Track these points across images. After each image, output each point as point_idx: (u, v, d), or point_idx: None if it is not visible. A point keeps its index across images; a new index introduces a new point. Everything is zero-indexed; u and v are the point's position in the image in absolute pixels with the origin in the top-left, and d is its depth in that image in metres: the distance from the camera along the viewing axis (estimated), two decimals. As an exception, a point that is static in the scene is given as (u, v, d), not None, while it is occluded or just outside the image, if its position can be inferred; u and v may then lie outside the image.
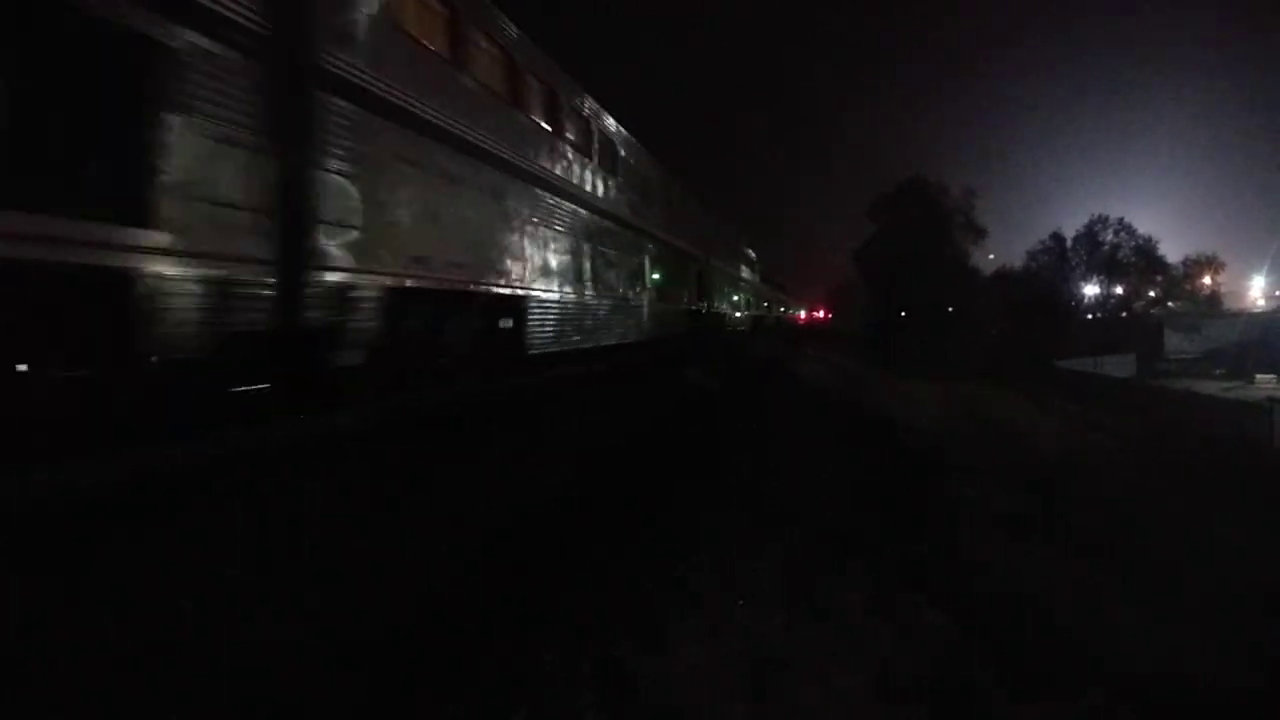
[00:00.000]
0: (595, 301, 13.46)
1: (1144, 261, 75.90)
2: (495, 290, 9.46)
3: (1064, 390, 36.92)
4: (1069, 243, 77.83)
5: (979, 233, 75.96)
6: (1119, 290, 77.61)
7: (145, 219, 4.95)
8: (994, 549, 9.15)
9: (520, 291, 10.11)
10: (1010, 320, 67.54)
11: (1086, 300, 78.28)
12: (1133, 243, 75.89)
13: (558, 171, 11.83)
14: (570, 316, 12.13)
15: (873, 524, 7.75)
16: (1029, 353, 53.96)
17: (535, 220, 10.79)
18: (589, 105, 13.65)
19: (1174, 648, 7.24)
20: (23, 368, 4.60)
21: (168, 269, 5.03)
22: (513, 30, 10.47)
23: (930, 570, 6.88)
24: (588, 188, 13.22)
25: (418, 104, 7.77)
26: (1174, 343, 66.49)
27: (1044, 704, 5.13)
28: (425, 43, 8.19)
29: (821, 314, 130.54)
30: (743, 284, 35.05)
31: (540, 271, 10.83)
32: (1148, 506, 13.57)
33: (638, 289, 16.89)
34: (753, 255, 40.91)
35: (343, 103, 6.57)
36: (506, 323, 10.19)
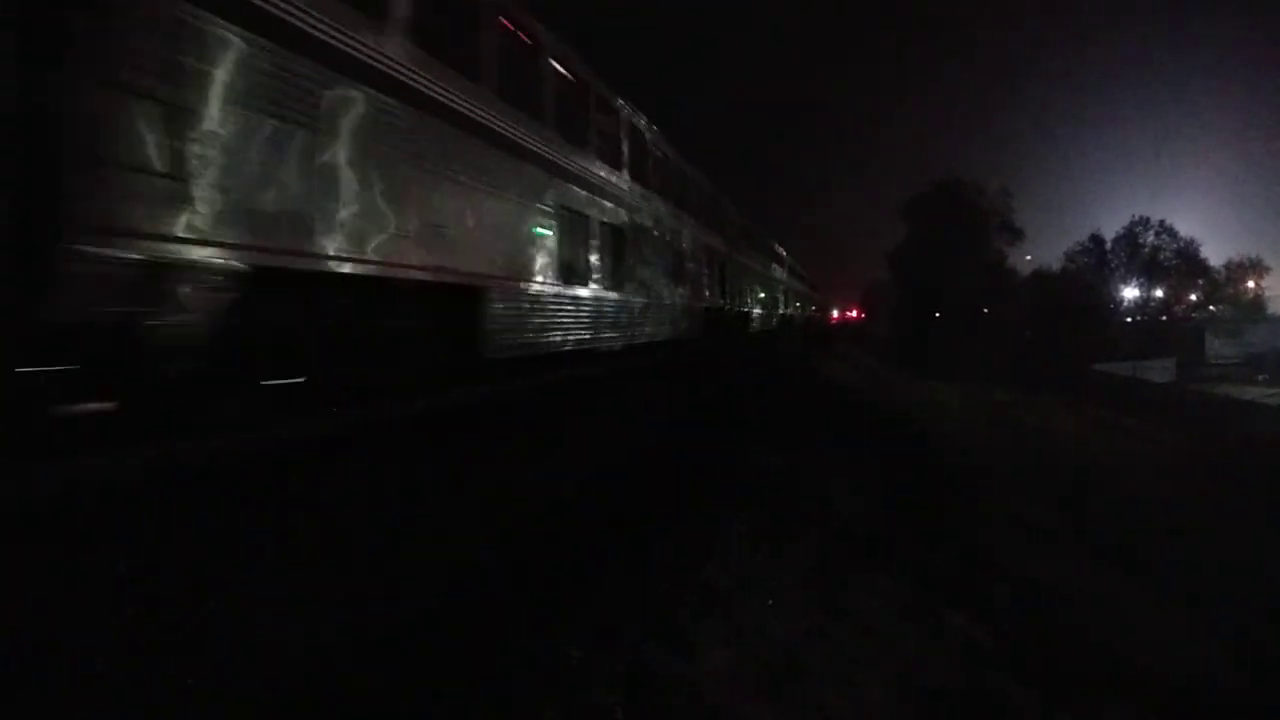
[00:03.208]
0: (760, 311, 27.70)
1: (1185, 264, 74.42)
2: (745, 310, 23.18)
3: (1100, 395, 36.43)
4: (1108, 244, 76.58)
5: (1016, 234, 74.98)
6: (1159, 293, 76.22)
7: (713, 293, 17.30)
8: (1022, 557, 9.20)
9: (745, 309, 23.46)
10: (1047, 323, 66.59)
11: (1126, 303, 77.01)
12: (1174, 245, 74.46)
13: (773, 269, 31.67)
14: (759, 315, 26.84)
15: (900, 528, 7.84)
16: (1065, 356, 53.24)
17: (763, 285, 27.58)
18: (778, 246, 34.60)
19: (1205, 659, 7.28)
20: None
21: (693, 305, 15.29)
22: (769, 236, 31.63)
23: (957, 575, 6.97)
24: (760, 266, 28.06)
25: (746, 257, 23.02)
26: (1215, 348, 65.24)
27: (1075, 711, 5.23)
28: (749, 244, 23.65)
29: (854, 314, 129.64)
30: (800, 295, 47.75)
31: (758, 302, 26.36)
32: (1183, 518, 13.47)
33: (770, 305, 31.62)
34: (801, 270, 49.82)
35: (731, 263, 19.63)
36: (742, 320, 22.89)
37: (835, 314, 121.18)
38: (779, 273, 37.43)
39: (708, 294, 17.31)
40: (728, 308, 20.30)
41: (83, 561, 2.82)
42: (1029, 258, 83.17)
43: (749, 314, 25.40)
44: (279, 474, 3.87)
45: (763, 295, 29.54)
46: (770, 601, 4.97)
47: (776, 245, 37.27)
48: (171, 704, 2.62)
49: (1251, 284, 77.72)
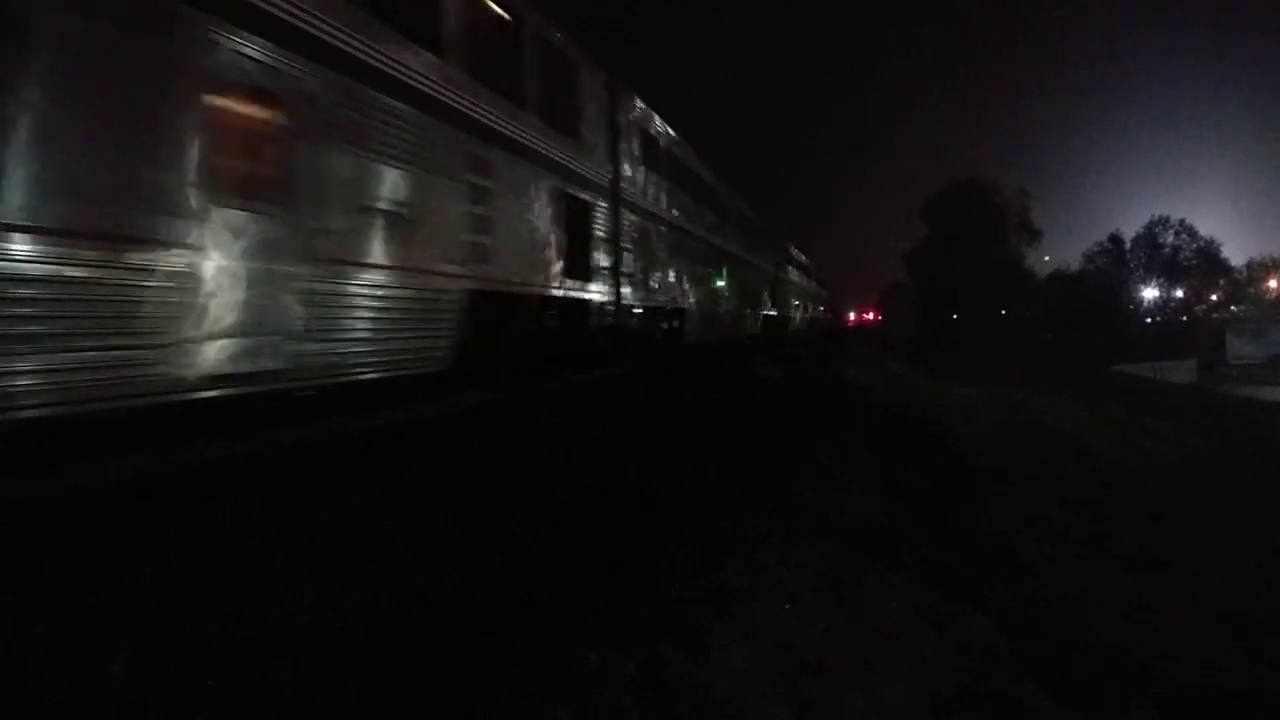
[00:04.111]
0: (722, 309, 20.10)
1: (1206, 264, 73.99)
2: (681, 307, 15.63)
3: (1121, 397, 36.13)
4: (1128, 244, 76.30)
5: (1034, 234, 74.82)
6: (1179, 293, 75.76)
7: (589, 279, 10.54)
8: (1041, 559, 9.14)
9: (681, 305, 15.53)
10: (1066, 323, 66.29)
11: (1145, 303, 76.55)
12: (1194, 245, 74.11)
13: (747, 253, 23.39)
14: (717, 315, 19.07)
15: (916, 530, 7.81)
16: (1085, 357, 52.93)
17: (728, 273, 19.90)
18: (797, 253, 34.64)
19: (1226, 664, 7.19)
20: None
21: (592, 297, 10.60)
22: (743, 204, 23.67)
23: (975, 577, 6.93)
24: (723, 240, 20.11)
25: (684, 218, 15.32)
26: (1237, 348, 64.68)
27: (1095, 715, 5.18)
28: (699, 201, 16.81)
29: (871, 316, 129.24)
30: (801, 292, 42.02)
31: (714, 296, 18.70)
32: (1205, 521, 13.34)
33: (744, 301, 24.15)
34: (804, 260, 44.26)
35: (630, 215, 11.98)
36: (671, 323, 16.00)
37: (852, 316, 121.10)
38: (763, 259, 26.97)
39: (544, 267, 9.13)
40: (624, 303, 11.83)
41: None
42: (1047, 258, 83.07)
43: (687, 311, 15.78)
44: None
45: (723, 285, 19.74)
46: (787, 605, 4.95)
47: (760, 221, 27.00)
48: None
49: (1273, 283, 77.17)
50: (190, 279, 4.55)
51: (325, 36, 5.57)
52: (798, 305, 39.88)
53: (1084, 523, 11.43)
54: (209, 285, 4.67)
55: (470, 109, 7.44)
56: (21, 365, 3.71)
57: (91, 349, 4.03)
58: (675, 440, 8.36)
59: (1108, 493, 14.27)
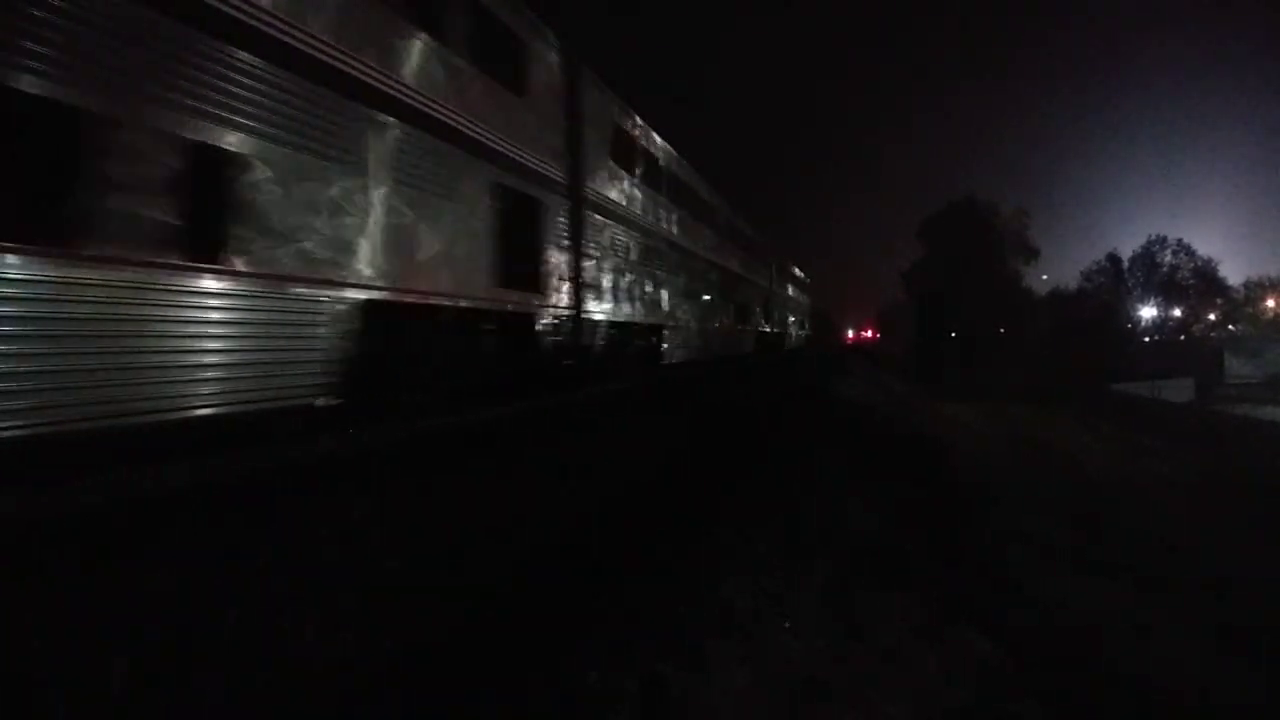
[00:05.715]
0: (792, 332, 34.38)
1: (1204, 283, 74.20)
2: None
3: (1119, 415, 36.07)
4: (1125, 264, 76.51)
5: (1032, 253, 75.10)
6: (1177, 313, 75.92)
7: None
8: (1042, 577, 9.10)
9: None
10: (1064, 342, 66.34)
11: (1143, 323, 76.68)
12: (1192, 264, 74.33)
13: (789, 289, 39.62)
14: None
15: (917, 548, 7.77)
16: (1083, 376, 52.90)
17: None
18: (797, 269, 43.60)
19: (1229, 679, 7.15)
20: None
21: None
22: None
23: (976, 596, 6.90)
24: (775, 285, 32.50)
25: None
26: (1235, 367, 64.70)
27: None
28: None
29: (869, 334, 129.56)
30: (808, 311, 48.03)
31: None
32: (1205, 539, 13.29)
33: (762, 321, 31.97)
34: (807, 284, 50.45)
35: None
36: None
37: (850, 334, 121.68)
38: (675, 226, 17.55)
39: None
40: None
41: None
42: (1045, 277, 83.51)
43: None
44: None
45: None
46: (787, 624, 4.92)
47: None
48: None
49: (1271, 303, 77.35)
50: None
51: None
52: (755, 313, 29.81)
53: (1086, 540, 11.40)
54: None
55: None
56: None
57: None
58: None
59: (1108, 507, 14.25)
